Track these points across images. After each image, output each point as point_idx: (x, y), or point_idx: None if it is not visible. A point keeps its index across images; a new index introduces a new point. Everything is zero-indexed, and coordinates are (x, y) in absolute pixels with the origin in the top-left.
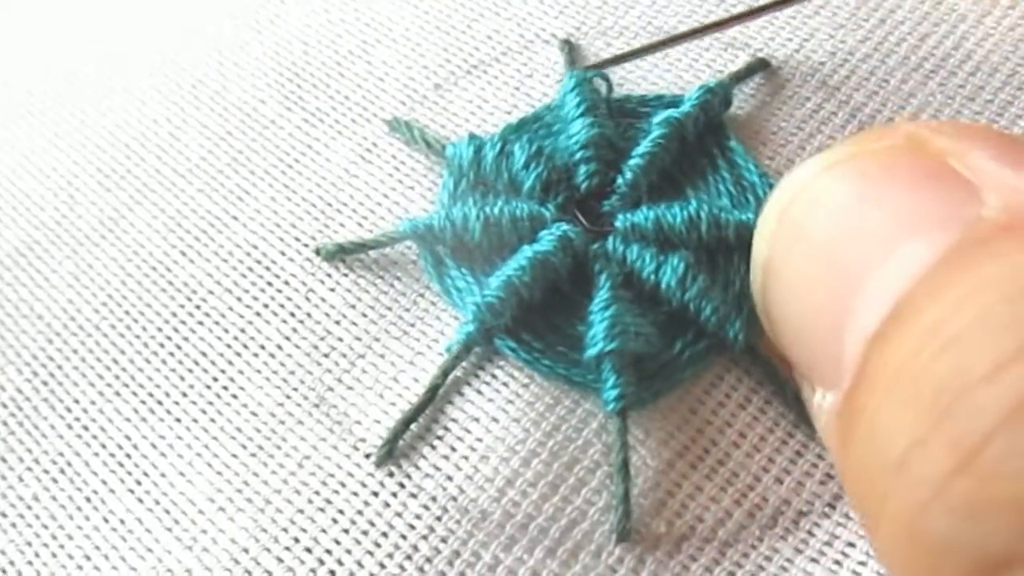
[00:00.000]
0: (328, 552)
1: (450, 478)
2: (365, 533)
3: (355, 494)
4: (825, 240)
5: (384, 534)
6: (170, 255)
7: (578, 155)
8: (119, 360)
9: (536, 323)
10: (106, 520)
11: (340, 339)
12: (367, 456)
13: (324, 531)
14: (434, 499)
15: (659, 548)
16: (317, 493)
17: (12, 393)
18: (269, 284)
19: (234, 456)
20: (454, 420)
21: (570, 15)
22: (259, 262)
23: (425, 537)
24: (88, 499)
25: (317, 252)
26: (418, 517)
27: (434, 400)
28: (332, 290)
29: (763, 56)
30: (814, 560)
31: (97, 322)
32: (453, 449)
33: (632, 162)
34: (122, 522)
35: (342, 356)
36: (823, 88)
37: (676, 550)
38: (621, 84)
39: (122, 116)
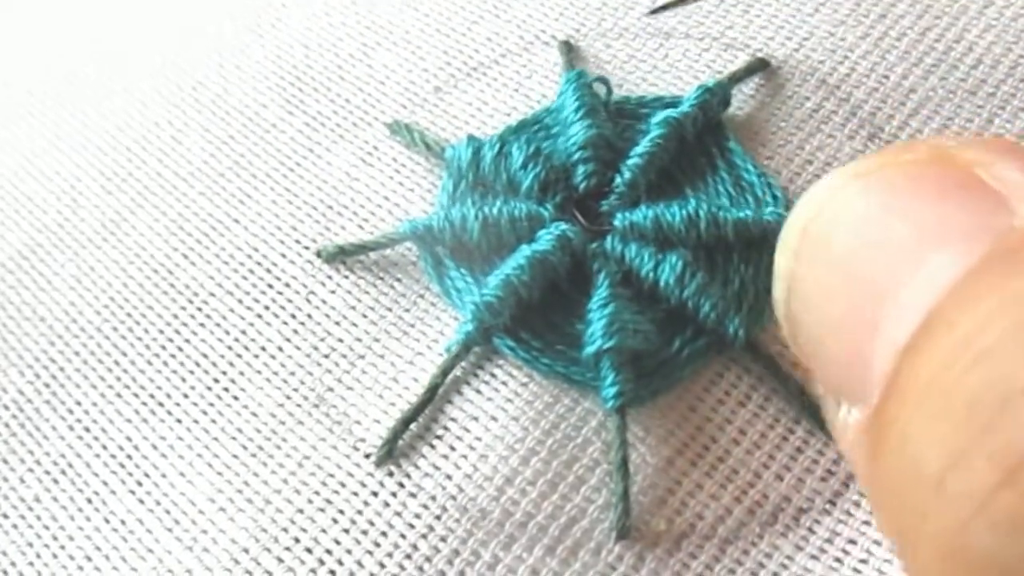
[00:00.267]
0: (328, 552)
1: (449, 477)
2: (365, 533)
3: (355, 494)
4: (850, 252)
5: (384, 533)
6: (172, 258)
7: (576, 155)
8: (121, 362)
9: (535, 322)
10: (107, 521)
11: (340, 340)
12: (367, 456)
13: (324, 531)
14: (433, 498)
15: (659, 546)
16: (317, 493)
17: (14, 395)
18: (270, 286)
19: (235, 457)
20: (453, 419)
21: (570, 17)
22: (260, 264)
23: (424, 536)
24: (89, 500)
25: (318, 254)
26: (417, 516)
27: (433, 400)
28: (333, 292)
29: (762, 56)
30: (814, 557)
31: (99, 324)
32: (452, 448)
33: (631, 162)
34: (123, 523)
35: (342, 357)
36: (823, 87)
37: (676, 548)
38: (620, 86)
39: (124, 119)
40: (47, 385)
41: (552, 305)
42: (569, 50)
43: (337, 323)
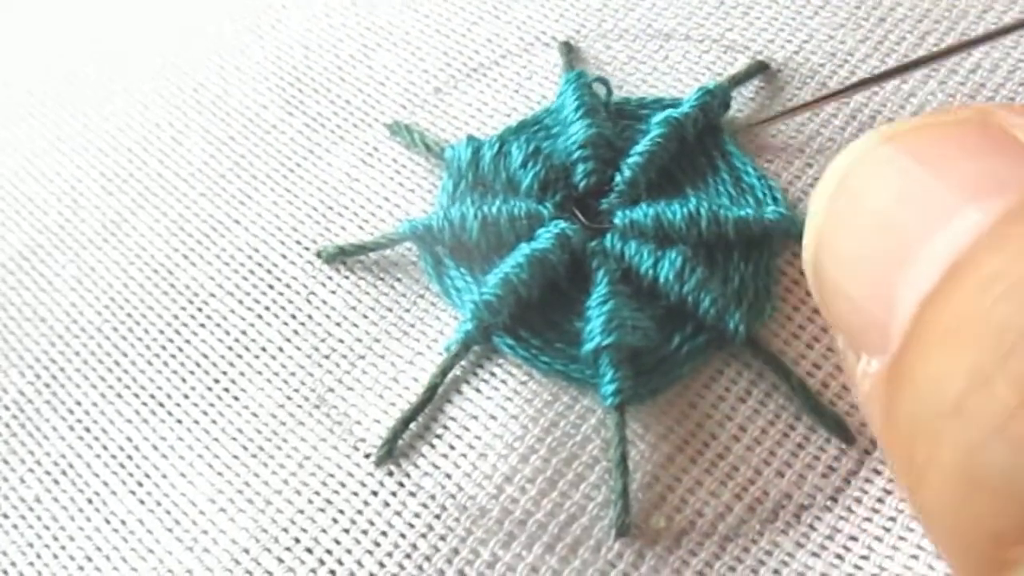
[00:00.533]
0: (328, 552)
1: (449, 476)
2: (365, 532)
3: (355, 494)
4: (883, 205)
5: (383, 533)
6: (172, 258)
7: (576, 154)
8: (121, 362)
9: (534, 320)
10: (107, 521)
11: (341, 340)
12: (367, 456)
13: (324, 531)
14: (433, 497)
15: (659, 543)
16: (317, 493)
17: (15, 395)
18: (271, 287)
19: (235, 457)
20: (453, 418)
21: (570, 18)
22: (261, 265)
23: (424, 535)
24: (90, 500)
25: (318, 255)
26: (417, 515)
27: (433, 399)
28: (333, 292)
29: (762, 58)
30: (815, 555)
31: (99, 325)
32: (452, 447)
33: (631, 160)
34: (123, 523)
35: (343, 357)
36: (823, 90)
37: (676, 545)
38: (620, 87)
39: (124, 120)
40: (48, 385)
41: (551, 303)
42: (569, 51)
43: (337, 324)
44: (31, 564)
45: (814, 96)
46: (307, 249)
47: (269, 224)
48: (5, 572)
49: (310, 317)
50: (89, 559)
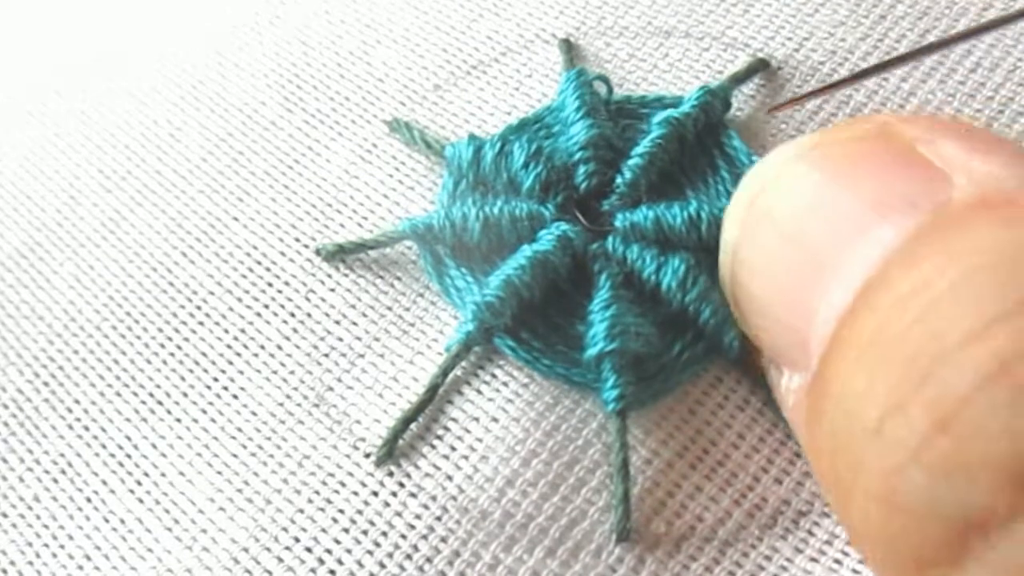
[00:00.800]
0: (328, 552)
1: (450, 478)
2: (365, 533)
3: (355, 493)
4: (794, 224)
5: (384, 534)
6: (171, 256)
7: (577, 155)
8: (120, 360)
9: (536, 322)
10: (106, 520)
11: (340, 339)
12: (367, 455)
13: (324, 531)
14: (434, 498)
15: (659, 548)
16: (317, 493)
17: (13, 394)
18: (269, 285)
19: (234, 456)
20: (454, 419)
21: (570, 15)
22: (259, 263)
23: (425, 537)
24: (88, 499)
25: (317, 252)
26: (418, 517)
27: (433, 399)
28: (332, 290)
29: (763, 56)
30: (814, 560)
31: (98, 323)
32: (453, 448)
33: (631, 161)
34: (122, 522)
35: (342, 356)
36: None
37: (676, 550)
38: (620, 85)
39: (122, 117)
40: (46, 384)
41: (553, 305)
42: (569, 48)
43: (337, 322)
44: (30, 563)
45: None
46: (306, 247)
47: (268, 221)
48: (4, 571)
49: (309, 315)
50: (88, 558)
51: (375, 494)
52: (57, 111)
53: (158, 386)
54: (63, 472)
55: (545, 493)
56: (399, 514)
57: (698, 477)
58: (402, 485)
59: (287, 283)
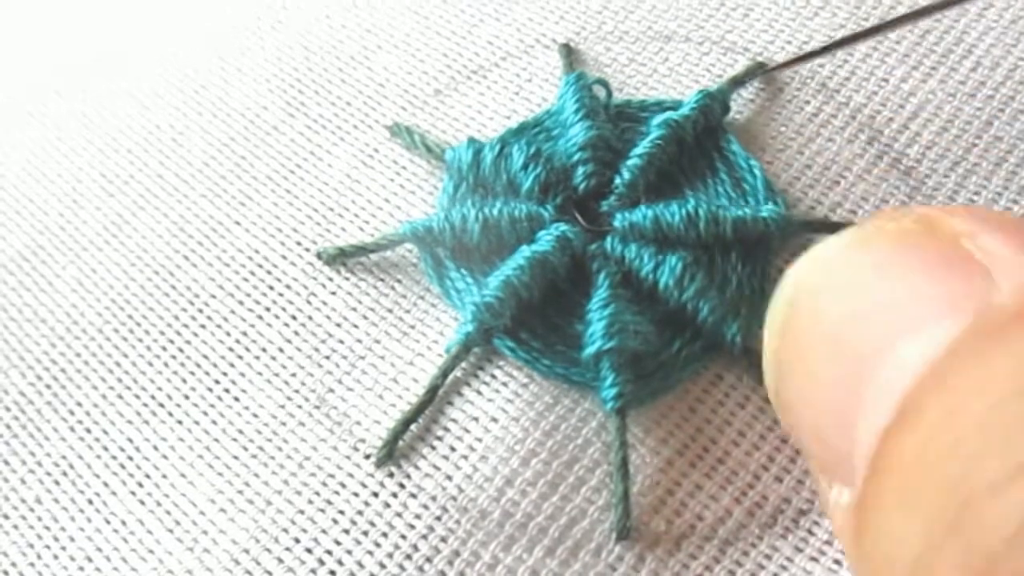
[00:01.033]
0: (328, 552)
1: (449, 478)
2: (365, 533)
3: (355, 495)
4: (836, 326)
5: (384, 534)
6: (173, 259)
7: (576, 156)
8: (122, 363)
9: (535, 323)
10: (108, 522)
11: (341, 341)
12: (367, 457)
13: (325, 532)
14: (434, 499)
15: (659, 546)
16: (318, 494)
17: (15, 396)
18: (271, 288)
19: (235, 458)
20: (454, 420)
21: (570, 20)
22: (261, 266)
23: (425, 537)
24: (90, 501)
25: (318, 256)
26: (418, 517)
27: (433, 400)
28: (333, 293)
29: (762, 60)
30: (814, 559)
31: (100, 326)
32: (452, 449)
33: (630, 162)
34: (124, 524)
35: (343, 358)
36: (823, 91)
37: (676, 548)
38: (620, 89)
39: (125, 121)
40: (48, 386)
41: (552, 306)
42: (569, 53)
43: (338, 324)
44: (31, 565)
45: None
46: (307, 250)
47: (269, 225)
48: (6, 573)
49: (310, 318)
50: (89, 559)
51: (375, 495)
52: (58, 113)
53: (160, 388)
54: (65, 474)
55: (544, 492)
56: (399, 515)
57: (698, 475)
58: (402, 486)
59: (288, 286)
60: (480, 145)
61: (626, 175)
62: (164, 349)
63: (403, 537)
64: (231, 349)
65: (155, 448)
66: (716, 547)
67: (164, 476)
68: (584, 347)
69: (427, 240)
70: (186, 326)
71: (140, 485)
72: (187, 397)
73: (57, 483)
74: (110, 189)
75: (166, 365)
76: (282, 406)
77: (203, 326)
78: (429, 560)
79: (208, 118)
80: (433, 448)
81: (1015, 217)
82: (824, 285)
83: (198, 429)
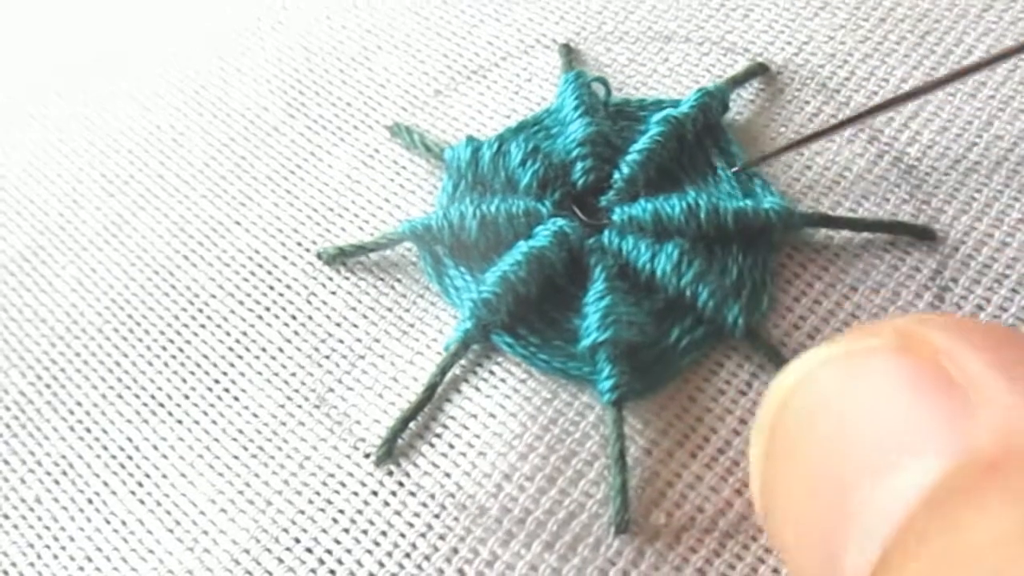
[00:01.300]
0: (328, 552)
1: (448, 474)
2: (365, 532)
3: (355, 494)
4: (817, 452)
5: (383, 533)
6: (173, 259)
7: (575, 152)
8: (122, 363)
9: (533, 318)
10: (108, 521)
11: (341, 341)
12: (367, 456)
13: (325, 531)
14: (432, 496)
15: (658, 540)
16: (318, 494)
17: (15, 396)
18: (271, 288)
19: (235, 457)
20: (452, 417)
21: (570, 20)
22: (261, 266)
23: (423, 534)
24: (90, 501)
25: (318, 256)
26: (416, 515)
27: (432, 398)
28: (333, 293)
29: (762, 60)
30: None
31: (100, 325)
32: (451, 446)
33: (629, 157)
34: (124, 523)
35: (343, 358)
36: (823, 91)
37: (676, 541)
38: (620, 89)
39: (125, 122)
40: (48, 386)
41: (550, 301)
42: (569, 53)
43: (337, 324)
44: (31, 564)
45: (821, 126)
46: (307, 250)
47: (270, 225)
48: (6, 573)
49: (310, 318)
50: (89, 559)
51: (375, 494)
52: (59, 114)
53: (160, 388)
54: (64, 473)
55: (542, 487)
56: (398, 513)
57: (698, 466)
58: (401, 484)
59: (288, 286)
60: (478, 143)
61: (625, 170)
62: (164, 349)
63: (402, 535)
64: (231, 349)
65: (155, 448)
66: (716, 540)
67: (164, 476)
68: (580, 340)
69: (426, 238)
70: (186, 326)
71: (140, 485)
72: (187, 397)
73: (57, 483)
74: (110, 189)
75: (166, 365)
76: (282, 406)
77: (203, 326)
78: (427, 558)
79: (208, 118)
80: (432, 445)
81: (996, 325)
82: (805, 404)
83: (198, 429)
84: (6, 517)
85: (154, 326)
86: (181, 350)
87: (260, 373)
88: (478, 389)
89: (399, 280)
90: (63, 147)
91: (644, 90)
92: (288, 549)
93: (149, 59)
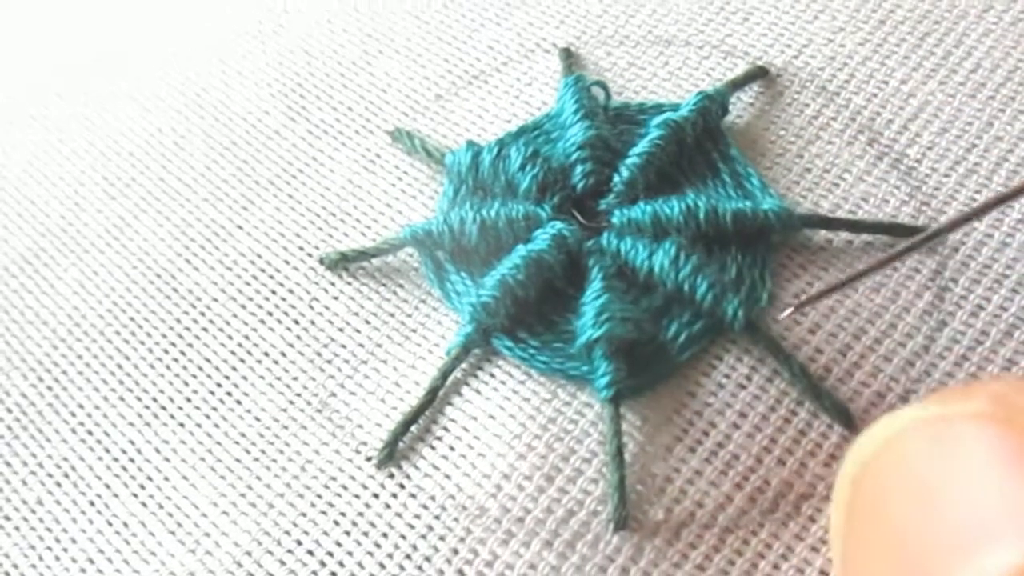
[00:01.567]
0: (330, 555)
1: (448, 476)
2: (366, 535)
3: (357, 497)
4: (903, 528)
5: (384, 535)
6: (175, 263)
7: (574, 155)
8: (123, 366)
9: (532, 321)
10: (109, 524)
11: (343, 346)
12: (369, 459)
13: (326, 534)
14: (433, 498)
15: (657, 536)
16: (320, 497)
17: (17, 398)
18: (273, 292)
19: (238, 461)
20: (453, 420)
21: (570, 24)
22: (263, 271)
23: (424, 536)
24: (92, 503)
25: (320, 261)
26: (417, 517)
27: (433, 402)
28: (335, 298)
29: (761, 63)
30: (815, 549)
31: (102, 328)
32: (451, 448)
33: (629, 161)
34: (125, 526)
35: (345, 362)
36: (822, 93)
37: (675, 537)
38: (620, 93)
39: (127, 125)
40: (50, 388)
41: (549, 303)
42: (569, 57)
43: (340, 329)
44: (33, 567)
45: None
46: (309, 255)
47: (271, 230)
48: (8, 574)
49: (312, 323)
50: (91, 561)
51: (376, 497)
52: (60, 115)
53: (161, 391)
54: (66, 476)
55: (541, 485)
56: (399, 515)
57: (697, 461)
58: (402, 486)
59: (291, 291)
60: (479, 148)
61: (625, 174)
62: (166, 352)
63: (403, 537)
64: (233, 353)
65: (157, 451)
66: (716, 535)
67: (166, 479)
68: (576, 339)
69: (427, 243)
70: (188, 329)
71: (142, 487)
72: (189, 400)
73: (59, 485)
74: (112, 192)
75: (168, 368)
76: (284, 410)
77: (205, 329)
78: (428, 559)
79: (210, 122)
80: (433, 448)
81: None
82: (891, 469)
83: (200, 432)
84: (8, 519)
85: (156, 329)
86: (183, 353)
87: (262, 377)
88: (478, 392)
89: (401, 285)
90: (64, 148)
91: (644, 94)
92: (290, 552)
93: (149, 60)
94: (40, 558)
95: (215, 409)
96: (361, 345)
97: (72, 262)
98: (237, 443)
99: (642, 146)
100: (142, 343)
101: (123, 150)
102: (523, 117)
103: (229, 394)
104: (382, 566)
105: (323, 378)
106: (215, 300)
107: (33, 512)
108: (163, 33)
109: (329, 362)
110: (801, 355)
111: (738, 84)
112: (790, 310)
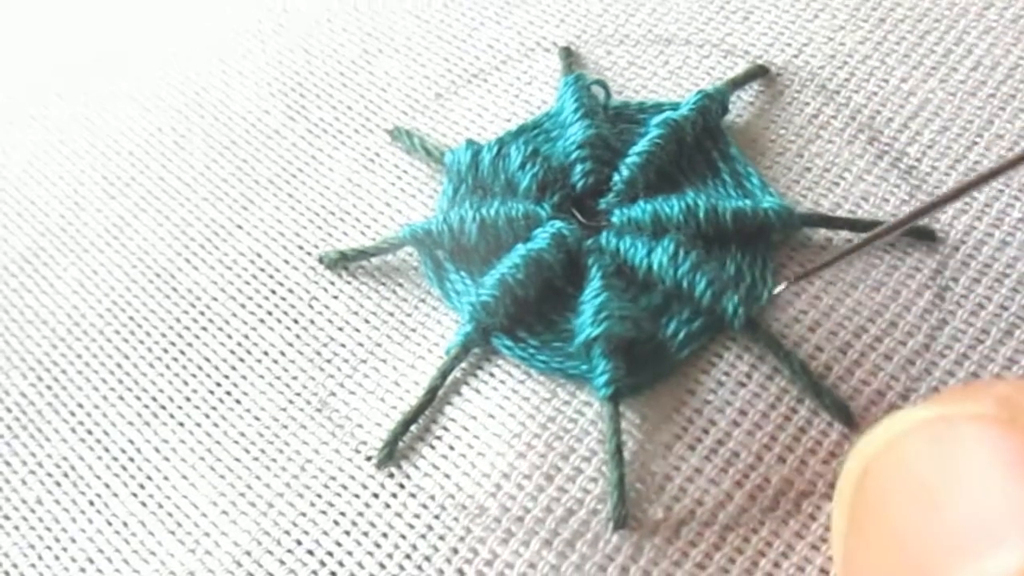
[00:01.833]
0: (330, 554)
1: (448, 476)
2: (366, 534)
3: (356, 496)
4: (904, 526)
5: (384, 535)
6: (175, 262)
7: (574, 154)
8: (123, 365)
9: (532, 320)
10: (109, 523)
11: (343, 345)
12: (368, 459)
13: (326, 533)
14: (433, 497)
15: (657, 534)
16: (319, 496)
17: (16, 397)
18: (272, 292)
19: (237, 460)
20: (452, 419)
21: (570, 23)
22: (263, 270)
23: (424, 535)
24: (91, 503)
25: (320, 260)
26: (417, 516)
27: (433, 401)
28: (335, 297)
29: (762, 62)
30: (815, 547)
31: (101, 327)
32: (451, 447)
33: (629, 160)
34: (125, 525)
35: (344, 362)
36: (822, 92)
37: (675, 536)
38: (620, 92)
39: (126, 124)
40: (49, 388)
41: (549, 302)
42: (569, 56)
43: (339, 328)
44: (33, 566)
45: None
46: (309, 254)
47: (271, 229)
48: (7, 574)
49: (312, 322)
50: (91, 561)
51: (376, 496)
52: (60, 115)
53: (161, 391)
54: (66, 475)
55: (541, 484)
56: (399, 515)
57: (697, 459)
58: (402, 486)
59: (290, 290)
60: (478, 147)
61: (625, 173)
62: (166, 351)
63: (403, 537)
64: (233, 352)
65: (157, 450)
66: (716, 533)
67: (166, 478)
68: (574, 337)
69: (426, 243)
70: (188, 328)
71: (142, 487)
72: (188, 399)
73: (58, 484)
74: (111, 191)
75: (168, 367)
76: (284, 409)
77: (204, 328)
78: (428, 559)
79: (210, 121)
80: (432, 447)
81: None
82: (893, 470)
83: (200, 431)
84: (7, 518)
85: (156, 328)
86: (183, 352)
87: (262, 377)
88: (478, 391)
89: (400, 284)
90: (64, 148)
91: (644, 93)
92: (290, 551)
93: (149, 60)
94: (40, 557)
95: (214, 408)
96: (360, 344)
97: (72, 261)
98: (236, 442)
99: (642, 145)
100: (142, 342)
101: (123, 150)
102: (523, 116)
103: (228, 393)
104: (382, 566)
105: (323, 377)
106: (215, 299)
107: (33, 511)
108: (163, 33)
109: (329, 361)
110: (801, 353)
111: (738, 83)
112: (784, 284)
